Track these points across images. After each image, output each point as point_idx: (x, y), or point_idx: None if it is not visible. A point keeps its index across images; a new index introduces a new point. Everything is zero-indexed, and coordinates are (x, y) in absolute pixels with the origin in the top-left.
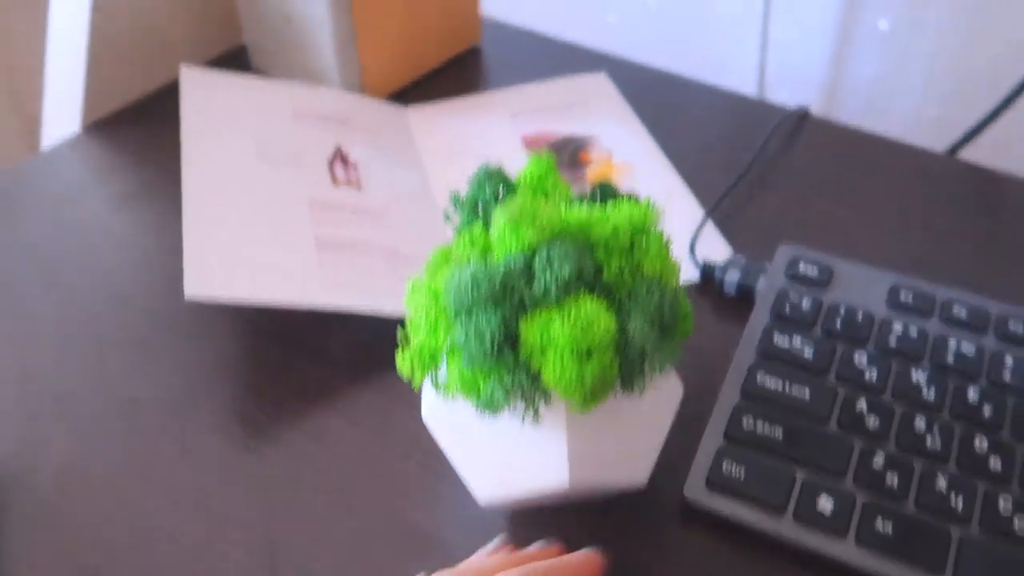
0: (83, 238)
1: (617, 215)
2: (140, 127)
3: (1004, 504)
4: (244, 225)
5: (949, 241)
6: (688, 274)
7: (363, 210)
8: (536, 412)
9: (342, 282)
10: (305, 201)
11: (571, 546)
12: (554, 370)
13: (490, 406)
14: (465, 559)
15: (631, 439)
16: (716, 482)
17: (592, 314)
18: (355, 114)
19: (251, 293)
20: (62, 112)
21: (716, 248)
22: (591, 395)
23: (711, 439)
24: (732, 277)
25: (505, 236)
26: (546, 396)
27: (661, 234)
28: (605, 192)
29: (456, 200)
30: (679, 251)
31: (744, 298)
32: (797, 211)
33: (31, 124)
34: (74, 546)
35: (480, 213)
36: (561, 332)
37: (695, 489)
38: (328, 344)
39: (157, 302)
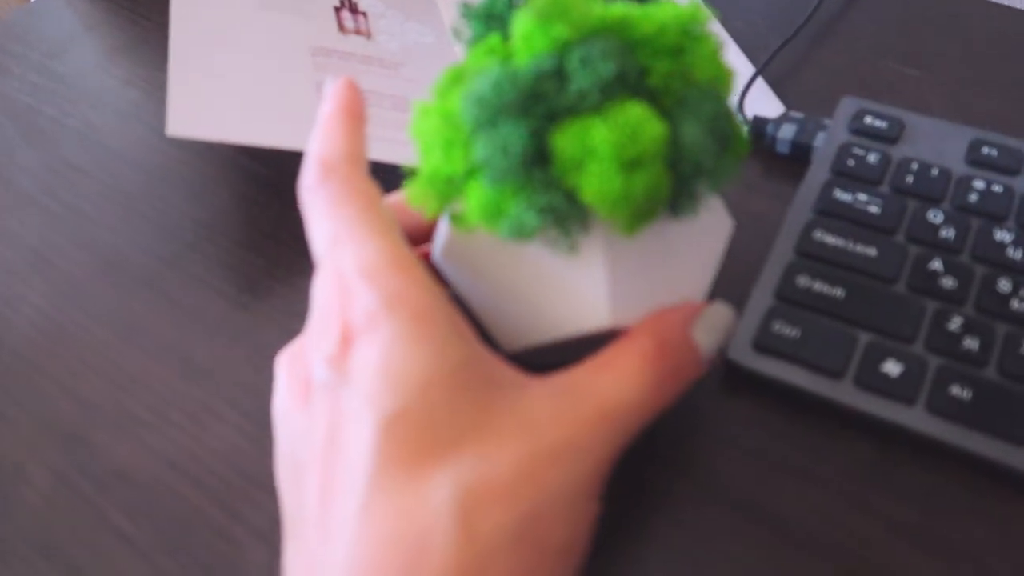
0: (70, 91)
1: (662, 13)
2: None
3: None
4: (236, 68)
5: None
6: None
7: (373, 60)
8: (571, 239)
9: None
10: (307, 48)
11: None
12: (596, 183)
13: (519, 231)
14: None
15: (677, 274)
16: (765, 344)
17: (640, 118)
18: None
19: (240, 134)
20: None
21: (769, 107)
22: (639, 213)
23: (760, 300)
24: (786, 133)
25: (532, 35)
26: (584, 220)
27: (713, 37)
28: None
29: (467, 10)
30: None
31: (799, 158)
32: (859, 70)
33: None
34: (51, 403)
35: (496, 25)
36: (604, 139)
37: (741, 351)
38: None
39: (146, 156)
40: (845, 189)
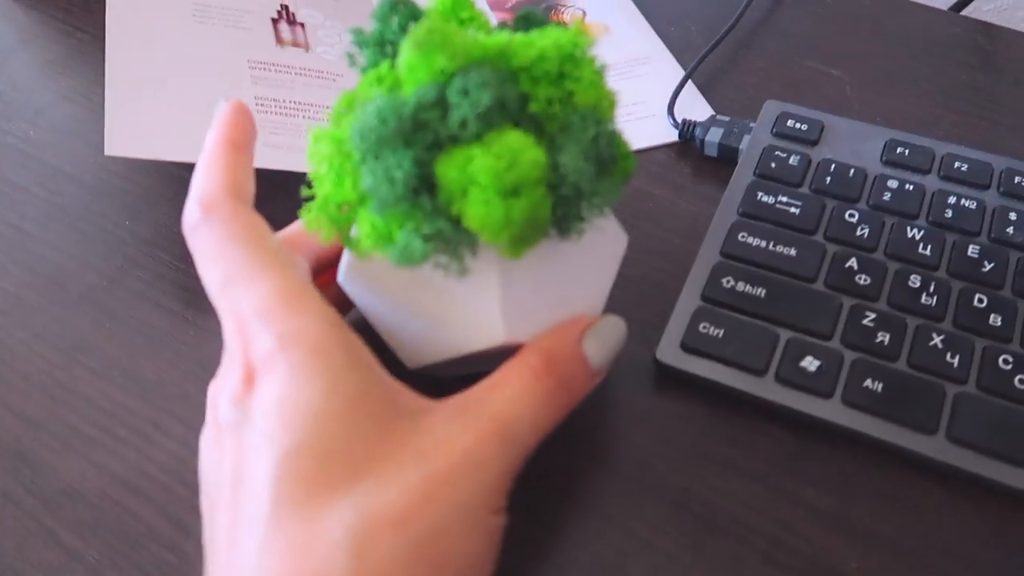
0: (7, 108)
1: (543, 40)
2: None
3: (1004, 361)
4: (173, 84)
5: (951, 101)
6: (666, 134)
7: (311, 72)
8: (462, 263)
9: (283, 143)
10: (244, 62)
11: None
12: (477, 211)
13: (408, 258)
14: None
15: (571, 290)
16: (692, 345)
17: (518, 146)
18: None
19: (178, 152)
20: None
21: (697, 110)
22: (521, 237)
23: (687, 301)
24: (713, 136)
25: (414, 65)
26: (472, 244)
27: (594, 60)
28: (530, 20)
29: (359, 37)
30: (658, 113)
31: (726, 159)
32: (785, 72)
33: None
34: None
35: (388, 51)
36: (484, 167)
37: (669, 352)
38: (272, 209)
39: (86, 172)
40: (767, 192)
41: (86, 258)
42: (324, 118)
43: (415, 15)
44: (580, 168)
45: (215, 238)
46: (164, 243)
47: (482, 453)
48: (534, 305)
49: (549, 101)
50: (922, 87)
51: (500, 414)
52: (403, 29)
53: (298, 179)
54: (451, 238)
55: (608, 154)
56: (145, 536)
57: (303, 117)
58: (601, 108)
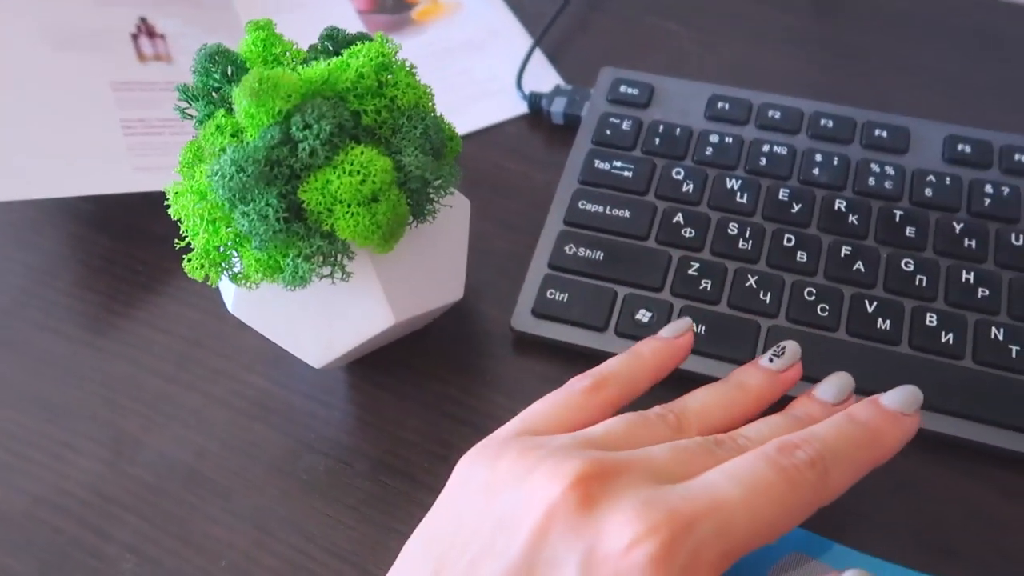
0: None
1: (356, 59)
2: None
3: (808, 293)
4: (38, 121)
5: (782, 47)
6: (517, 107)
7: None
8: (344, 270)
9: (154, 164)
10: (107, 84)
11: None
12: (346, 224)
13: (297, 280)
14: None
15: (437, 262)
16: (542, 310)
17: (367, 160)
18: None
19: (52, 189)
20: None
21: (547, 79)
22: (389, 236)
23: (537, 270)
24: (558, 106)
25: (252, 113)
26: (347, 251)
27: (404, 63)
28: (335, 39)
29: (185, 93)
30: (508, 87)
31: (572, 127)
32: (627, 31)
33: None
34: None
35: (216, 99)
36: (342, 187)
37: (522, 319)
38: (153, 226)
39: None
40: (603, 159)
41: None
42: (192, 133)
43: (232, 61)
44: (421, 162)
45: None
46: (57, 271)
47: None
48: (410, 282)
49: (378, 111)
50: (753, 37)
51: None
52: (226, 76)
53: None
54: (329, 251)
55: (439, 142)
56: (70, 546)
57: (170, 134)
58: (422, 104)
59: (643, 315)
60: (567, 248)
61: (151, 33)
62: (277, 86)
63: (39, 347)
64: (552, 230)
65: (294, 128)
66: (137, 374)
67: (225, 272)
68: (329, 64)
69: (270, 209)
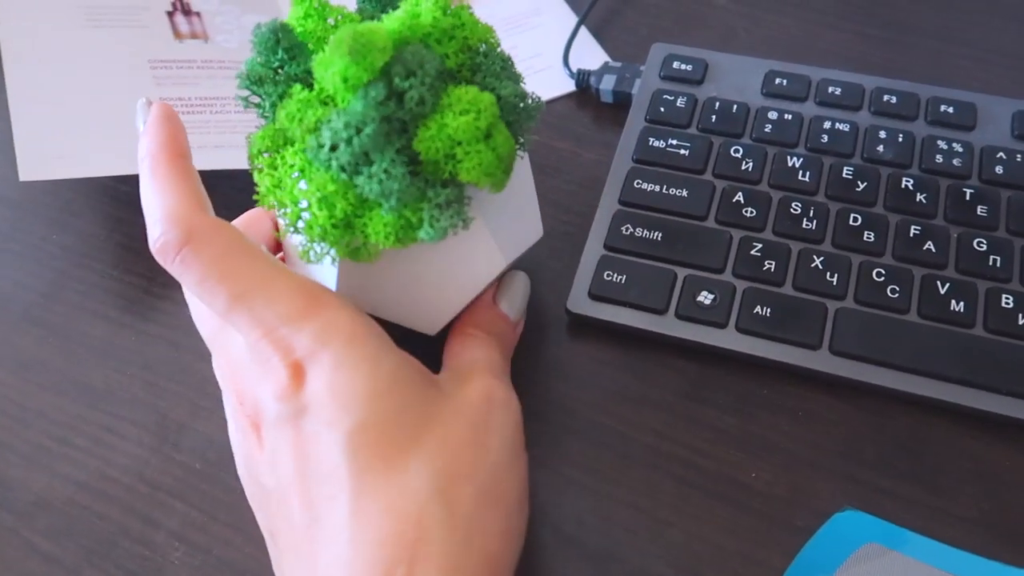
0: None
1: (418, 8)
2: None
3: (877, 274)
4: (78, 99)
5: (831, 21)
6: (564, 85)
7: (213, 63)
8: (467, 216)
9: (194, 143)
10: (144, 62)
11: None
12: (471, 163)
13: (439, 233)
14: None
15: (521, 200)
16: (599, 292)
17: (473, 98)
18: None
19: (93, 167)
20: None
21: (593, 56)
22: (508, 169)
23: (592, 251)
24: (607, 84)
25: (349, 74)
26: (466, 197)
27: (462, 4)
28: None
29: (248, 78)
30: (554, 64)
31: (622, 105)
32: (673, 6)
33: None
34: None
35: (282, 78)
36: (459, 128)
37: (579, 302)
38: None
39: (6, 191)
40: (658, 136)
41: (20, 277)
42: (231, 111)
43: (290, 36)
44: (516, 91)
45: (210, 258)
46: (95, 252)
47: (501, 397)
48: (507, 224)
49: (457, 53)
50: (802, 10)
51: (486, 367)
52: (287, 53)
53: (209, 176)
54: (455, 199)
55: (516, 71)
56: (116, 534)
57: (210, 113)
58: (489, 39)
59: (705, 297)
60: (623, 229)
61: (187, 11)
62: (372, 40)
63: (78, 330)
64: (607, 210)
65: (396, 80)
66: (179, 357)
67: (328, 253)
68: (400, 16)
69: (396, 167)
